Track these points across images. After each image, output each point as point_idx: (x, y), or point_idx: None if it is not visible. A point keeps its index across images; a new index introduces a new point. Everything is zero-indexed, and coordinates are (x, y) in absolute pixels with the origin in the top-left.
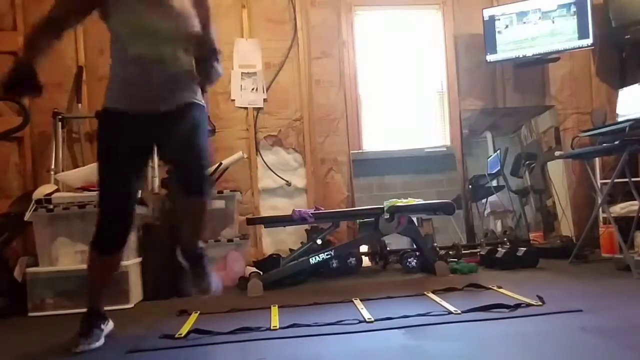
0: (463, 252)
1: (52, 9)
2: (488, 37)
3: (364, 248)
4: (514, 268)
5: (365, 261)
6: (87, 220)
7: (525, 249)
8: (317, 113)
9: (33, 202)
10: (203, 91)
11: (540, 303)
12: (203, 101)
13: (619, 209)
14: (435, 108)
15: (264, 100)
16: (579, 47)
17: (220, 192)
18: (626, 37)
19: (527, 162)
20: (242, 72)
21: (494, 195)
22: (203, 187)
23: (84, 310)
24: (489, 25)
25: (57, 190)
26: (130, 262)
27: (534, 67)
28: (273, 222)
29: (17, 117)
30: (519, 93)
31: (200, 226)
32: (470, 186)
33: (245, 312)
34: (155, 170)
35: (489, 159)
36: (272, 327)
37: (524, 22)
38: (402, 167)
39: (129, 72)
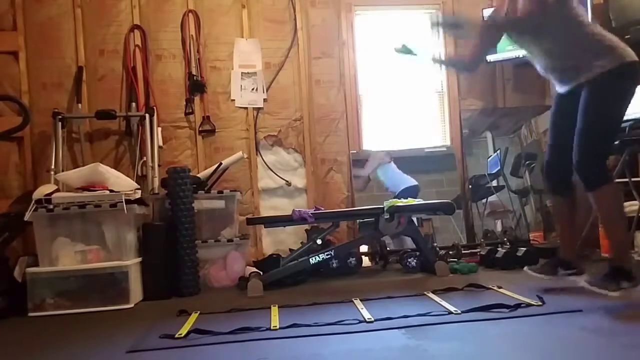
0: (463, 252)
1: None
2: None
3: (364, 248)
4: (514, 268)
5: (365, 261)
6: (87, 220)
7: (525, 249)
8: (317, 113)
9: (33, 202)
10: None
11: (540, 303)
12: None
13: None
14: (435, 108)
15: (264, 100)
16: None
17: (220, 192)
18: (626, 37)
19: (527, 162)
20: (242, 72)
21: (494, 195)
22: None
23: None
24: None
25: (57, 190)
26: (130, 262)
27: (534, 67)
28: (273, 222)
29: (17, 117)
30: (519, 93)
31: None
32: (470, 186)
33: (245, 312)
34: (156, 170)
35: (489, 159)
36: (272, 327)
37: None
38: (402, 167)
39: None
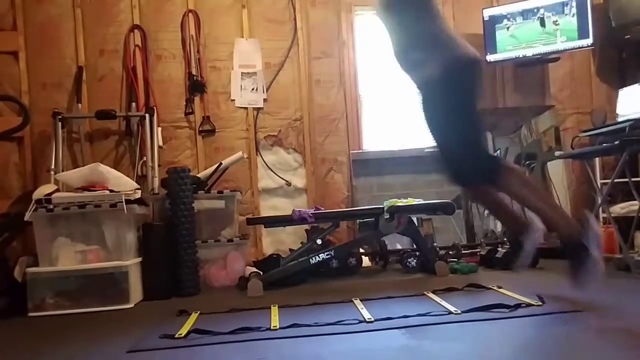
0: (463, 252)
1: None
2: (488, 37)
3: (364, 248)
4: (513, 268)
5: (365, 261)
6: (87, 220)
7: None
8: (317, 113)
9: (33, 202)
10: None
11: (540, 303)
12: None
13: (619, 209)
14: None
15: (264, 100)
16: (579, 47)
17: (220, 192)
18: (626, 37)
19: (527, 162)
20: (242, 72)
21: None
22: None
23: None
24: (489, 25)
25: (57, 190)
26: (130, 262)
27: (534, 67)
28: (273, 222)
29: (17, 117)
30: (519, 93)
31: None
32: None
33: (245, 312)
34: (156, 170)
35: None
36: (272, 327)
37: (524, 22)
38: (402, 167)
39: None
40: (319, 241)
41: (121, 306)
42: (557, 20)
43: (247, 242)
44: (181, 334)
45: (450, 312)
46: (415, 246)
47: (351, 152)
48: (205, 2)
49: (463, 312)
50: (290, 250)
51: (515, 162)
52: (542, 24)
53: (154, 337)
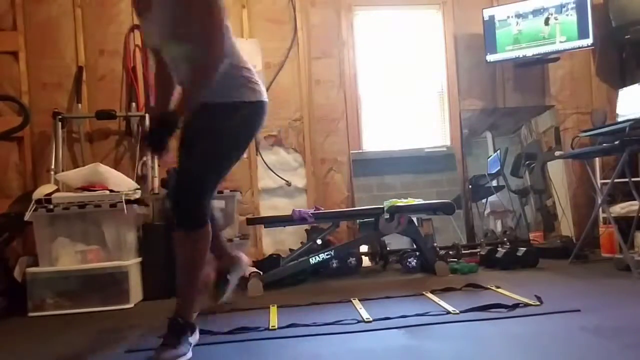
0: (463, 252)
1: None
2: (488, 37)
3: (364, 248)
4: (514, 268)
5: (365, 261)
6: (87, 220)
7: (525, 249)
8: (317, 113)
9: (33, 202)
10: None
11: (538, 303)
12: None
13: (619, 209)
14: (435, 108)
15: None
16: (579, 47)
17: (220, 192)
18: (626, 37)
19: (527, 162)
20: None
21: (494, 195)
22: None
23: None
24: (489, 25)
25: (57, 190)
26: (130, 262)
27: (534, 67)
28: (273, 222)
29: (17, 117)
30: (519, 93)
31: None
32: (470, 186)
33: (244, 312)
34: (155, 170)
35: (489, 159)
36: (270, 327)
37: (524, 22)
38: (402, 167)
39: None
40: (319, 241)
41: (121, 306)
42: (558, 21)
43: (247, 242)
44: None
45: (448, 312)
46: (415, 246)
47: (351, 152)
48: None
49: (461, 312)
50: (290, 250)
51: (515, 162)
52: (547, 23)
53: (154, 337)
